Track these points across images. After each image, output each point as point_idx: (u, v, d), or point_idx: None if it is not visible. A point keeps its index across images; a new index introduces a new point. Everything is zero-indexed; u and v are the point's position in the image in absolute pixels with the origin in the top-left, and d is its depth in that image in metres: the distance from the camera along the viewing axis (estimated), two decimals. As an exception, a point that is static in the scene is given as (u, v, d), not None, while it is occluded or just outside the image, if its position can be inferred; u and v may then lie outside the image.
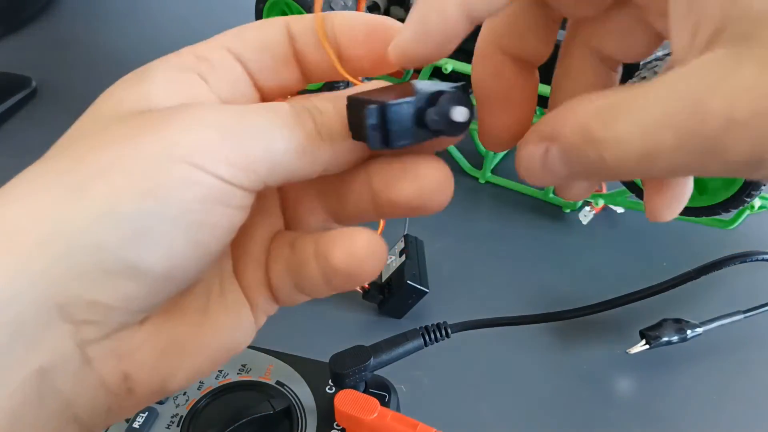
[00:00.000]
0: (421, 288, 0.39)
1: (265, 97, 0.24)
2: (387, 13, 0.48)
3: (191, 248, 0.19)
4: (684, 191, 0.23)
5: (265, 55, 0.23)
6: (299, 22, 0.23)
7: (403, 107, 0.20)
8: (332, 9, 0.41)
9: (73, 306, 0.19)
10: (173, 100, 0.21)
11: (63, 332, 0.19)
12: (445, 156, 0.49)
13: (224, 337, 0.22)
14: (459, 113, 0.20)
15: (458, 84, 0.21)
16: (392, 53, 0.21)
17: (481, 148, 0.50)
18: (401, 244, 0.42)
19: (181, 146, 0.19)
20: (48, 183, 0.20)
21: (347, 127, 0.21)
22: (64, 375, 0.19)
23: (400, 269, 0.40)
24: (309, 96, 0.22)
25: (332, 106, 0.21)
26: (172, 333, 0.21)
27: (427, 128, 0.20)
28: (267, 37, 0.23)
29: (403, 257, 0.40)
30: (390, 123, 0.20)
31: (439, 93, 0.20)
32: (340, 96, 0.21)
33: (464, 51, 0.45)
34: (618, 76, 0.24)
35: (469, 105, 0.20)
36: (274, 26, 0.23)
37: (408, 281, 0.39)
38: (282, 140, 0.20)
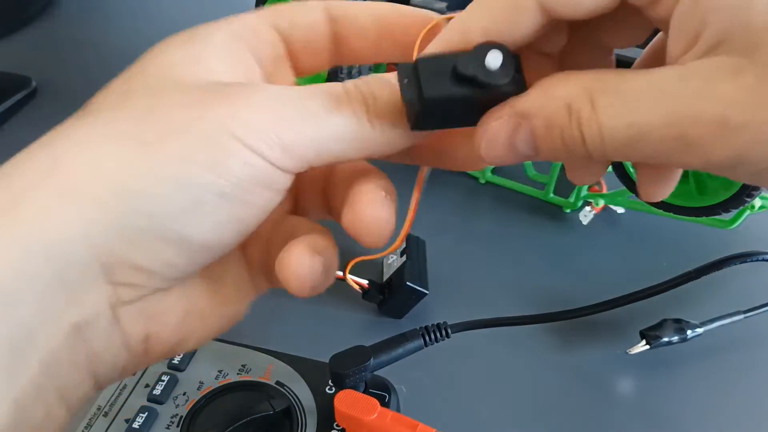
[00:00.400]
0: (421, 289, 0.39)
1: (298, 75, 0.25)
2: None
3: (233, 224, 0.20)
4: (675, 173, 0.23)
5: (309, 36, 0.24)
6: (340, 8, 0.24)
7: (439, 59, 0.20)
8: None
9: (118, 268, 0.19)
10: (227, 71, 0.22)
11: (103, 291, 0.19)
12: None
13: (232, 308, 0.23)
14: (493, 58, 0.20)
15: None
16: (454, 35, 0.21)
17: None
18: (403, 245, 0.42)
19: (242, 127, 0.19)
20: (116, 133, 0.20)
21: (399, 114, 0.21)
22: (95, 332, 0.20)
23: (401, 270, 0.40)
24: (366, 79, 0.22)
25: (388, 92, 0.21)
26: (193, 299, 0.22)
27: (464, 81, 0.20)
28: (311, 20, 0.24)
29: (404, 257, 0.40)
30: (424, 75, 0.20)
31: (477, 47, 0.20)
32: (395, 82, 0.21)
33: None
34: (612, 60, 0.24)
35: (508, 57, 0.20)
36: (316, 10, 0.24)
37: (407, 282, 0.39)
38: (335, 127, 0.20)
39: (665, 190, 0.23)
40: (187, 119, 0.19)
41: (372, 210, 0.23)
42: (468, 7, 0.22)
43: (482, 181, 0.49)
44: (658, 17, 0.20)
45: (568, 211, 0.47)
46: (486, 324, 0.35)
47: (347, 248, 0.44)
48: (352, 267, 0.39)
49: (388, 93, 0.21)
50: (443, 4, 0.45)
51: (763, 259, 0.39)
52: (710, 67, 0.18)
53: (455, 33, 0.21)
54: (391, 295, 0.40)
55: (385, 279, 0.41)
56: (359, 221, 0.23)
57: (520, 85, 0.20)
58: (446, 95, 0.20)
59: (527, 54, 0.22)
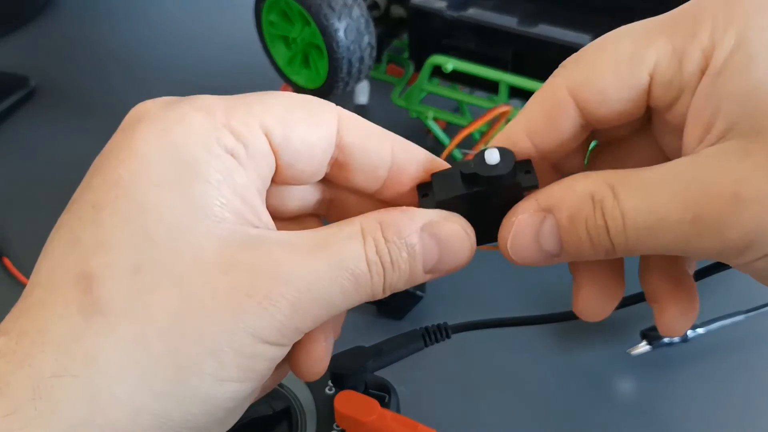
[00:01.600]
0: (416, 292, 0.39)
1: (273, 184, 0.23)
2: (387, 12, 0.47)
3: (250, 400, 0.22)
4: (695, 303, 0.24)
5: (309, 156, 0.22)
6: (354, 133, 0.23)
7: (450, 170, 0.23)
8: (332, 8, 0.41)
9: None
10: (232, 216, 0.20)
11: None
12: (446, 157, 0.48)
13: None
14: (490, 154, 0.21)
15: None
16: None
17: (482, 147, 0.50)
18: None
19: (268, 329, 0.19)
20: (149, 357, 0.18)
21: (411, 278, 0.22)
22: None
23: None
24: (390, 244, 0.21)
25: (405, 259, 0.21)
26: None
27: (469, 180, 0.22)
28: (317, 135, 0.22)
29: None
30: (437, 184, 0.22)
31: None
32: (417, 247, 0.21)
33: (464, 50, 0.45)
34: None
35: (507, 155, 0.22)
36: (325, 122, 0.23)
37: None
38: (351, 305, 0.21)
39: (688, 322, 0.24)
40: (219, 335, 0.19)
41: None
42: (519, 112, 0.23)
43: (482, 181, 0.49)
44: (675, 115, 0.21)
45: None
46: (486, 324, 0.35)
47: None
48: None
49: (405, 261, 0.21)
50: (443, 4, 0.45)
51: (764, 260, 0.39)
52: (722, 150, 0.19)
53: (502, 139, 0.23)
54: (389, 297, 0.39)
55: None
56: None
57: (528, 179, 0.22)
58: (455, 195, 0.22)
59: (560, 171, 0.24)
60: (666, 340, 0.37)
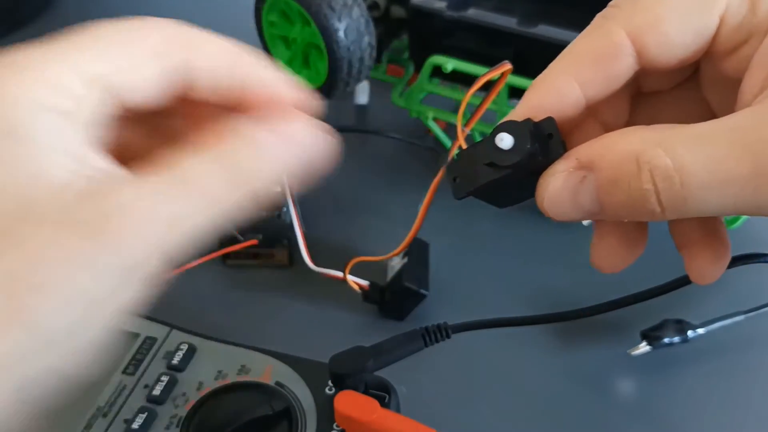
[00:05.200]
0: (419, 290, 0.39)
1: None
2: (387, 12, 0.47)
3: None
4: (728, 249, 0.23)
5: (146, 93, 0.20)
6: (194, 53, 0.21)
7: (472, 151, 0.21)
8: (332, 8, 0.41)
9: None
10: (67, 169, 0.17)
11: None
12: (445, 155, 0.48)
13: None
14: (501, 139, 0.20)
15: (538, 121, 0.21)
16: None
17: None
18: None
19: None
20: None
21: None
22: None
23: (400, 271, 0.40)
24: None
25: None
26: None
27: (488, 165, 0.21)
28: (149, 75, 0.20)
29: (405, 259, 0.40)
30: (462, 169, 0.21)
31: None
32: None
33: (464, 50, 0.45)
34: None
35: (521, 134, 0.20)
36: (157, 61, 0.21)
37: (405, 283, 0.39)
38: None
39: (722, 266, 0.23)
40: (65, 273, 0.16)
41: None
42: (560, 54, 0.22)
43: (482, 181, 0.49)
44: (736, 63, 0.20)
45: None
46: (486, 324, 0.34)
47: (349, 248, 0.44)
48: (354, 267, 0.39)
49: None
50: (443, 4, 0.45)
51: (765, 261, 0.39)
52: None
53: (545, 84, 0.21)
54: (392, 296, 0.39)
55: (387, 281, 0.40)
56: None
57: (553, 148, 0.20)
58: (483, 182, 0.21)
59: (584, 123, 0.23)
60: (666, 340, 0.37)
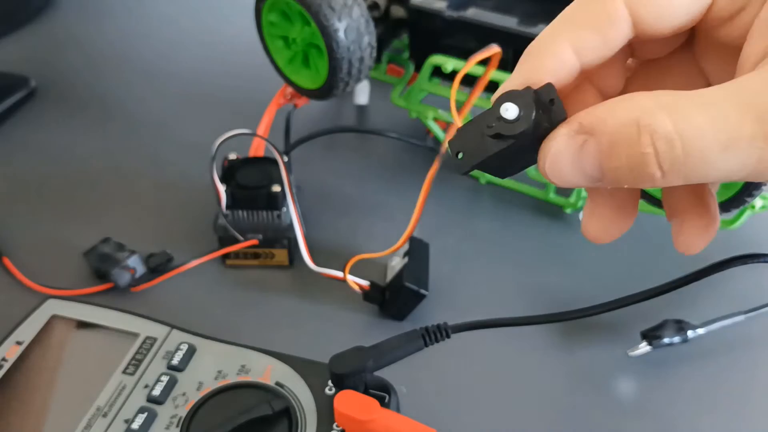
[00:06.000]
0: (419, 290, 0.39)
1: None
2: (387, 12, 0.47)
3: None
4: (716, 220, 0.23)
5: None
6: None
7: (473, 123, 0.21)
8: (332, 8, 0.41)
9: None
10: None
11: None
12: (445, 155, 0.48)
13: None
14: (506, 110, 0.20)
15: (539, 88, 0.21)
16: (496, 95, 0.21)
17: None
18: (406, 247, 0.41)
19: None
20: None
21: None
22: None
23: (401, 271, 0.40)
24: None
25: None
26: None
27: (497, 138, 0.20)
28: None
29: (406, 259, 0.40)
30: (464, 142, 0.21)
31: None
32: None
33: (464, 50, 0.45)
34: None
35: (525, 103, 0.20)
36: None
37: (406, 283, 0.39)
38: None
39: (706, 238, 0.23)
40: None
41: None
42: (556, 19, 0.22)
43: (483, 181, 0.49)
44: (733, 29, 0.20)
45: (568, 211, 0.47)
46: (486, 324, 0.34)
47: (349, 248, 0.44)
48: (354, 267, 0.39)
49: None
50: (443, 4, 0.45)
51: (765, 261, 0.39)
52: None
53: (541, 49, 0.21)
54: (392, 296, 0.39)
55: (387, 281, 0.40)
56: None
57: (555, 113, 0.20)
58: (488, 155, 0.21)
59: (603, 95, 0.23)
60: (666, 340, 0.37)
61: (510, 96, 0.20)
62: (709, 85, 0.20)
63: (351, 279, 0.39)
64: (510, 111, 0.20)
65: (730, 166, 0.18)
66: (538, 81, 0.21)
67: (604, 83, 0.24)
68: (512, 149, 0.21)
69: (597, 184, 0.20)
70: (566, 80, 0.21)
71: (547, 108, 0.20)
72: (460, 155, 0.22)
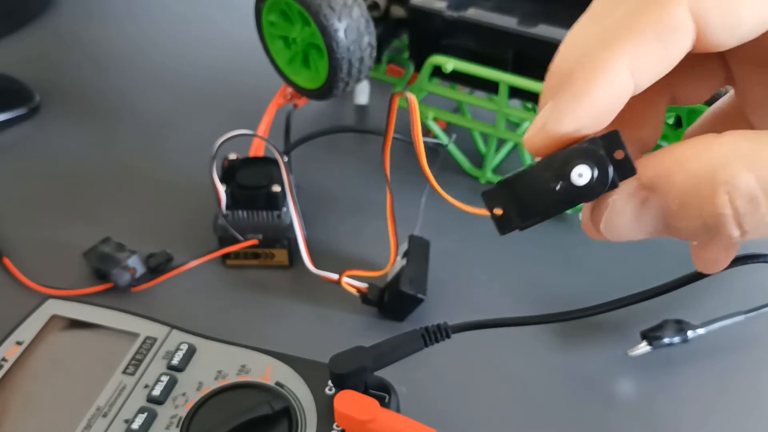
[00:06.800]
0: (416, 295, 0.39)
1: None
2: (387, 12, 0.47)
3: None
4: (729, 252, 0.21)
5: None
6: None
7: (523, 179, 0.19)
8: (332, 8, 0.41)
9: None
10: None
11: None
12: (445, 155, 0.48)
13: None
14: (579, 174, 0.17)
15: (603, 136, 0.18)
16: (536, 140, 0.18)
17: (482, 147, 0.50)
18: (405, 246, 0.41)
19: None
20: None
21: None
22: None
23: (398, 274, 0.40)
24: None
25: None
26: None
27: (552, 197, 0.18)
28: None
29: (405, 260, 0.40)
30: (511, 198, 0.19)
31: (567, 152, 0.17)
32: None
33: (464, 50, 0.45)
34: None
35: (600, 166, 0.17)
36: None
37: (401, 288, 0.39)
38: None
39: (731, 256, 0.21)
40: None
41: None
42: (593, 21, 0.18)
43: (483, 181, 0.49)
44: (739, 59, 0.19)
45: (569, 211, 0.47)
46: (486, 325, 0.34)
47: (348, 248, 0.44)
48: (353, 267, 0.39)
49: None
50: (443, 4, 0.45)
51: (765, 261, 0.39)
52: None
53: (591, 74, 0.17)
54: (390, 299, 0.39)
55: (387, 282, 0.40)
56: None
57: (623, 168, 0.17)
58: (547, 217, 0.19)
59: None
60: (666, 340, 0.37)
61: (578, 154, 0.17)
62: (721, 84, 0.19)
63: (347, 282, 0.39)
64: (583, 177, 0.17)
65: None
66: (594, 121, 0.18)
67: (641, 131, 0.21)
68: (569, 206, 0.18)
69: (658, 236, 0.18)
70: (620, 108, 0.18)
71: (614, 159, 0.17)
72: (497, 211, 0.19)
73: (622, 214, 0.18)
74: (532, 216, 0.19)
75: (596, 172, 0.17)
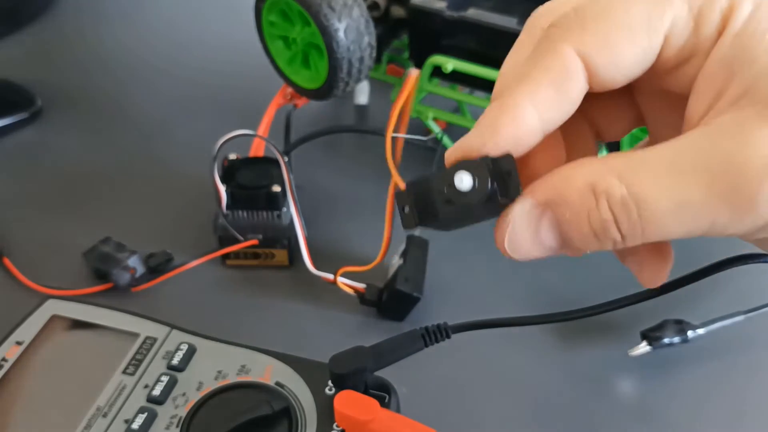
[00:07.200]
0: (412, 294, 0.39)
1: None
2: (387, 12, 0.47)
3: None
4: (671, 250, 0.23)
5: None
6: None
7: (423, 182, 0.21)
8: (332, 8, 0.41)
9: None
10: None
11: None
12: (444, 152, 0.48)
13: None
14: (461, 180, 0.20)
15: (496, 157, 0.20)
16: (451, 155, 0.21)
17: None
18: (403, 246, 0.41)
19: None
20: None
21: None
22: None
23: (395, 274, 0.40)
24: None
25: None
26: None
27: (442, 203, 0.20)
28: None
29: (402, 260, 0.40)
30: (415, 201, 0.21)
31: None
32: None
33: (464, 50, 0.45)
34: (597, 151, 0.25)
35: (481, 175, 0.20)
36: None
37: (398, 287, 0.39)
38: None
39: (668, 269, 0.24)
40: None
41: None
42: (507, 72, 0.22)
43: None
44: (679, 78, 0.21)
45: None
46: (486, 324, 0.34)
47: (348, 247, 0.44)
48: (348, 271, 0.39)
49: None
50: (443, 4, 0.45)
51: (765, 261, 0.39)
52: (740, 119, 0.18)
53: (504, 108, 0.20)
54: (388, 298, 0.39)
55: (385, 282, 0.40)
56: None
57: (511, 188, 0.20)
58: (438, 218, 0.21)
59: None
60: (666, 340, 0.37)
61: (466, 165, 0.20)
62: (639, 119, 0.21)
63: (341, 282, 0.39)
64: (465, 182, 0.20)
65: (686, 229, 0.18)
66: (497, 145, 0.20)
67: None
68: (461, 215, 0.21)
69: (557, 254, 0.21)
70: (529, 142, 0.21)
71: (504, 180, 0.20)
72: (406, 209, 0.22)
73: (522, 230, 0.20)
74: (428, 216, 0.21)
75: (477, 181, 0.20)
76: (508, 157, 0.20)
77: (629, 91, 0.23)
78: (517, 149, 0.20)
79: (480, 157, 0.20)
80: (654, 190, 0.18)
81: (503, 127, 0.20)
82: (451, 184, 0.20)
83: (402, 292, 0.39)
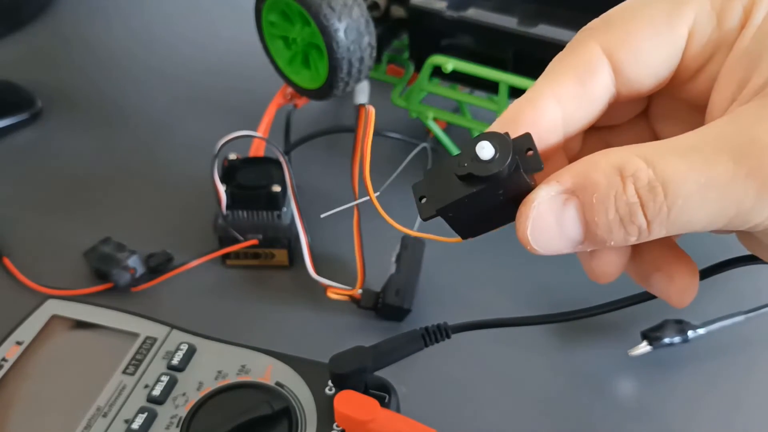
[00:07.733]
0: (402, 306, 0.39)
1: None
2: (387, 12, 0.47)
3: None
4: (694, 264, 0.23)
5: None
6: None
7: (442, 167, 0.20)
8: (332, 8, 0.41)
9: None
10: None
11: None
12: (444, 154, 0.48)
13: None
14: (482, 149, 0.19)
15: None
16: None
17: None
18: (398, 249, 0.41)
19: None
20: None
21: None
22: None
23: (387, 283, 0.39)
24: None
25: None
26: None
27: (468, 181, 0.20)
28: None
29: (395, 266, 0.40)
30: (432, 187, 0.21)
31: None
32: None
33: (464, 50, 0.45)
34: None
35: (503, 144, 0.19)
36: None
37: (386, 301, 0.39)
38: None
39: (693, 291, 0.23)
40: None
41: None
42: (543, 73, 0.22)
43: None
44: (703, 81, 0.21)
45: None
46: (486, 325, 0.34)
47: (347, 247, 0.44)
48: (352, 268, 0.39)
49: None
50: (443, 4, 0.45)
51: (765, 261, 0.39)
52: (764, 104, 0.18)
53: (525, 105, 0.21)
54: (383, 306, 0.39)
55: (381, 287, 0.40)
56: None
57: (532, 162, 0.20)
58: (454, 199, 0.20)
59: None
60: (666, 340, 0.37)
61: (487, 135, 0.19)
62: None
63: (339, 290, 0.39)
64: (486, 150, 0.19)
65: (711, 214, 0.18)
66: (516, 131, 0.20)
67: (568, 145, 0.24)
68: (483, 197, 0.20)
69: (579, 248, 0.20)
70: (549, 139, 0.21)
71: (524, 156, 0.20)
72: (423, 200, 0.21)
73: (546, 216, 0.19)
74: (446, 198, 0.20)
75: (499, 149, 0.19)
76: (526, 136, 0.20)
77: (647, 118, 0.24)
78: (538, 144, 0.20)
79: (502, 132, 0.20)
80: (680, 171, 0.18)
81: (525, 118, 0.21)
82: (473, 156, 0.19)
83: (390, 305, 0.39)
